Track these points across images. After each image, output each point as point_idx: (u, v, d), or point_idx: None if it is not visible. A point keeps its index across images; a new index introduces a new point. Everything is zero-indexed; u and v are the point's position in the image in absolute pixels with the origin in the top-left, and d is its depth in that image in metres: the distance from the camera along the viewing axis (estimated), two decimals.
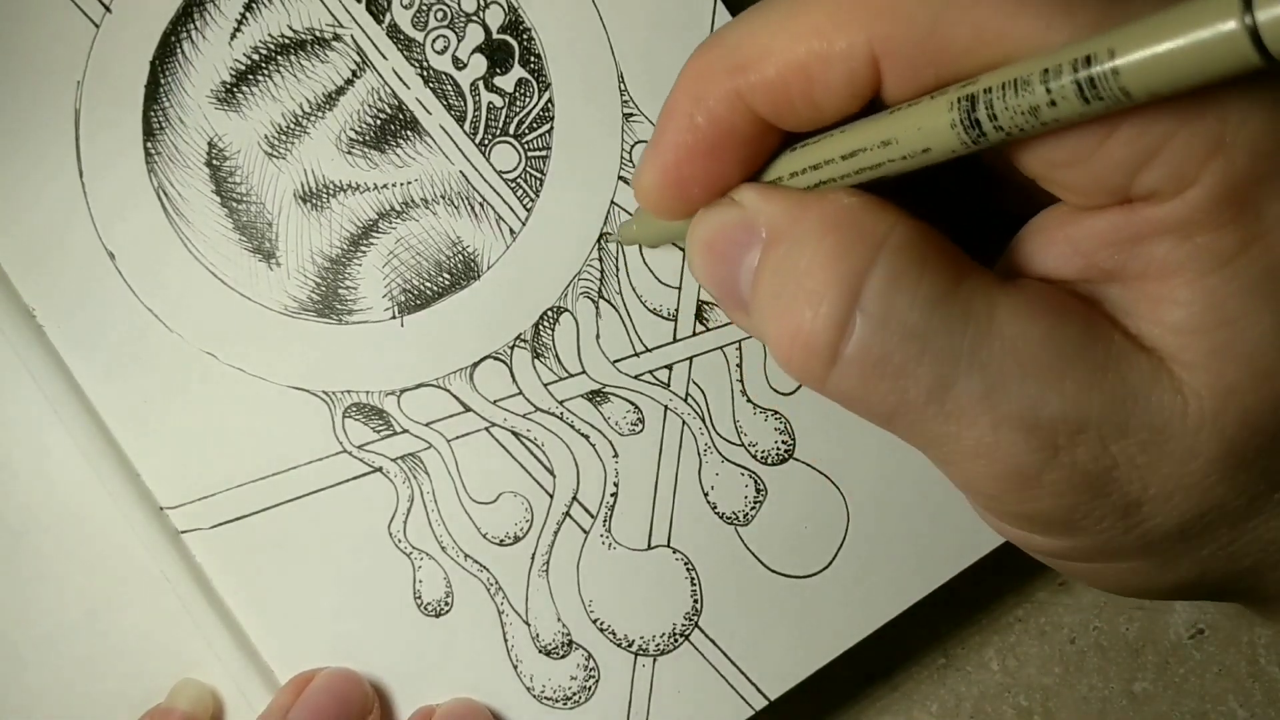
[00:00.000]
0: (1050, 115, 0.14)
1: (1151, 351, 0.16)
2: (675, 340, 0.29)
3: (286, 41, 0.28)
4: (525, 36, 0.29)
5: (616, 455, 0.29)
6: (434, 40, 0.29)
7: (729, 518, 0.29)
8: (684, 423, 0.29)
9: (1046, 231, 0.17)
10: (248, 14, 0.28)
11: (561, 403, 0.29)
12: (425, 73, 0.29)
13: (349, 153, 0.29)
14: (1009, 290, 0.17)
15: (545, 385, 0.29)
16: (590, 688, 0.28)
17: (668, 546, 0.28)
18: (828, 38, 0.16)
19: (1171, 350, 0.16)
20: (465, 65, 0.29)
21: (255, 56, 0.28)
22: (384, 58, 0.29)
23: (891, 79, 0.16)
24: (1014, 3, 0.15)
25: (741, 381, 0.29)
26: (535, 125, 0.29)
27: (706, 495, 0.29)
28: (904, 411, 0.17)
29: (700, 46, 0.18)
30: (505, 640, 0.28)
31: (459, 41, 0.29)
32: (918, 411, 0.17)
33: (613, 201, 0.29)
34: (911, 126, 0.16)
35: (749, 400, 0.29)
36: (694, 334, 0.29)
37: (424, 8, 0.29)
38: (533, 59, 0.29)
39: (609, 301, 0.29)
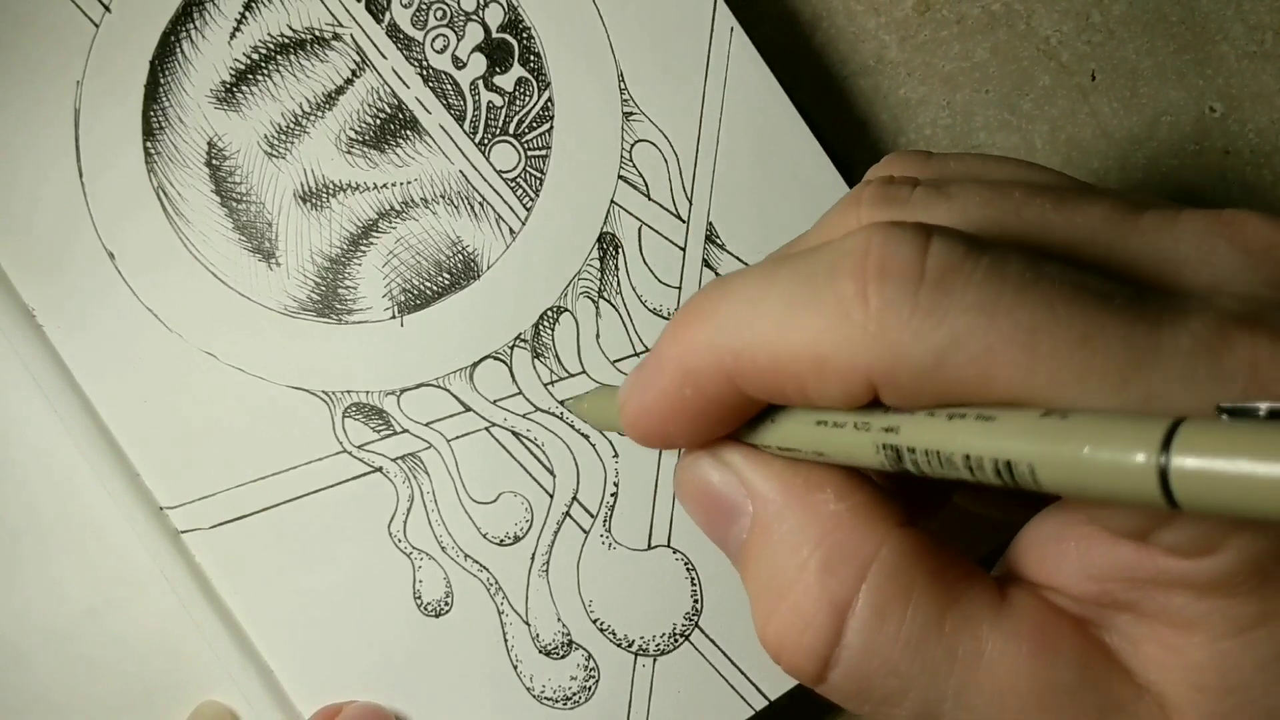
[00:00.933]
0: (976, 478, 0.14)
1: (1150, 695, 0.16)
2: None
3: (286, 41, 0.28)
4: (525, 35, 0.29)
5: (616, 455, 0.28)
6: (433, 39, 0.29)
7: None
8: None
9: (1060, 543, 0.17)
10: (247, 13, 0.28)
11: (561, 403, 0.28)
12: (425, 72, 0.29)
13: (349, 152, 0.29)
14: (1002, 619, 0.16)
15: (545, 385, 0.28)
16: (590, 688, 0.28)
17: (668, 546, 0.28)
18: (826, 355, 0.15)
19: (1175, 701, 0.16)
20: (465, 64, 0.29)
21: (255, 56, 0.28)
22: (384, 57, 0.29)
23: (888, 397, 0.16)
24: (1027, 354, 0.14)
25: None
26: (535, 124, 0.29)
27: None
28: None
29: (691, 311, 0.17)
30: (505, 640, 0.28)
31: (458, 40, 0.29)
32: None
33: (613, 201, 0.29)
34: (845, 455, 0.16)
35: None
36: None
37: (423, 7, 0.29)
38: (532, 58, 0.29)
39: (609, 301, 0.29)
